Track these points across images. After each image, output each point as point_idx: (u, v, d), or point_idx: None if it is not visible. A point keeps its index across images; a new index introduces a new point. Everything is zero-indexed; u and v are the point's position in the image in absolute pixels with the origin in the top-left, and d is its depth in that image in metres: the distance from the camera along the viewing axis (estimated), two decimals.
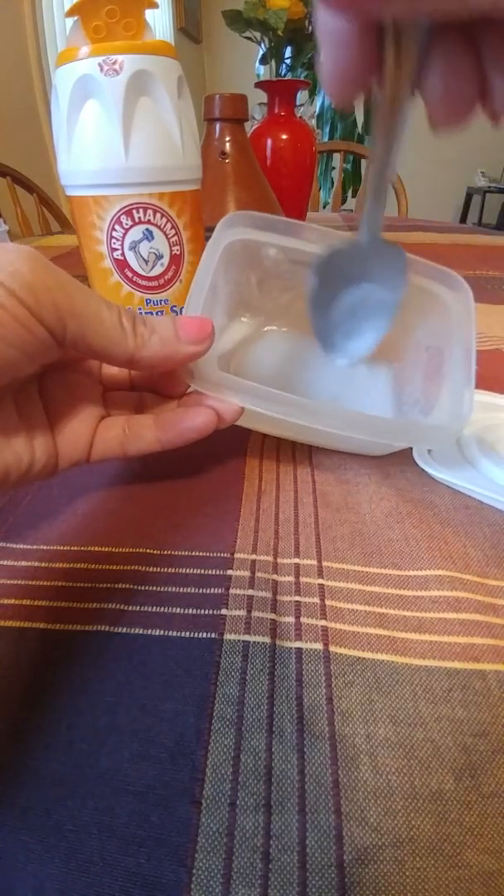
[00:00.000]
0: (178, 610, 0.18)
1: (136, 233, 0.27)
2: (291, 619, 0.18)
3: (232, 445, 0.27)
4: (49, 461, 0.18)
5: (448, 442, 0.19)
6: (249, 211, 0.26)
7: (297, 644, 0.17)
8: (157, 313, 0.29)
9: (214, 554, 0.21)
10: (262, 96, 0.69)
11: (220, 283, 0.27)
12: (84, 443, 0.19)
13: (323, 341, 0.24)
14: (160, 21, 2.32)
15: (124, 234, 0.27)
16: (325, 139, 1.97)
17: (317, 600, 0.18)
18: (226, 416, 0.20)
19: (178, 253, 0.28)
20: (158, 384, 0.22)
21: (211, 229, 0.25)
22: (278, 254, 0.27)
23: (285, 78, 0.79)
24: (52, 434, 0.19)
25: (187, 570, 0.20)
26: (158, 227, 0.27)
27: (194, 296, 0.21)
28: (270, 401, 0.20)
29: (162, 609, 0.18)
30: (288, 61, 0.79)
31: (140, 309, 0.29)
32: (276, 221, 0.26)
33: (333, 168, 1.97)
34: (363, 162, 1.37)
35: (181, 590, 0.19)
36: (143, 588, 0.19)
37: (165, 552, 0.21)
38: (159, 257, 0.28)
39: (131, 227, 0.27)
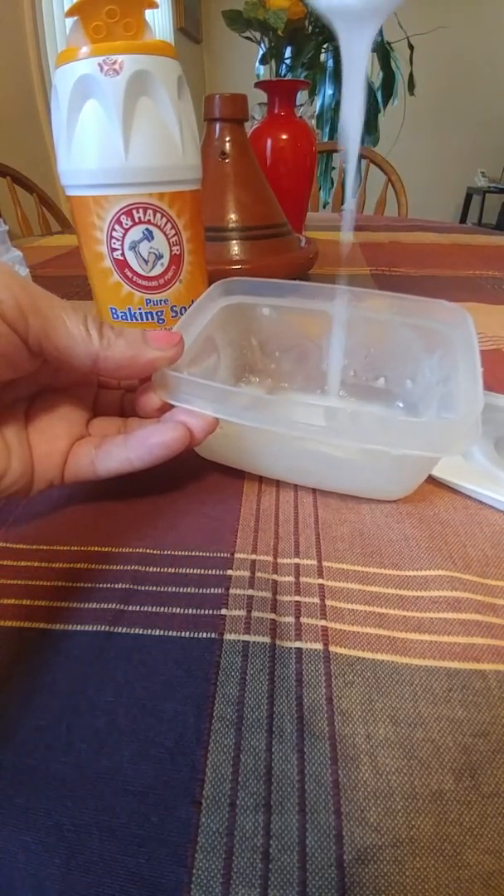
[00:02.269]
0: (178, 610, 0.18)
1: (135, 233, 0.27)
2: (291, 619, 0.18)
3: None
4: (24, 475, 0.18)
5: (466, 439, 0.17)
6: (240, 278, 0.28)
7: (297, 644, 0.17)
8: (156, 313, 0.29)
9: (214, 554, 0.21)
10: (262, 96, 0.69)
11: (221, 343, 0.28)
12: (58, 460, 0.19)
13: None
14: (160, 21, 2.32)
15: (124, 234, 0.27)
16: (325, 139, 1.96)
17: (317, 600, 0.18)
18: (195, 429, 0.19)
19: (177, 253, 0.28)
20: (139, 405, 0.20)
21: (211, 229, 0.25)
22: (272, 312, 0.29)
23: (285, 78, 0.79)
24: (30, 449, 0.19)
25: (187, 570, 0.20)
26: (158, 227, 0.27)
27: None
28: (243, 407, 0.18)
29: (162, 609, 0.18)
30: (288, 61, 0.78)
31: (140, 309, 0.29)
32: (267, 285, 0.28)
33: (333, 168, 1.97)
34: (363, 162, 1.37)
35: (181, 590, 0.19)
36: (143, 588, 0.19)
37: (165, 552, 0.21)
38: (159, 257, 0.28)
39: (131, 227, 0.27)
